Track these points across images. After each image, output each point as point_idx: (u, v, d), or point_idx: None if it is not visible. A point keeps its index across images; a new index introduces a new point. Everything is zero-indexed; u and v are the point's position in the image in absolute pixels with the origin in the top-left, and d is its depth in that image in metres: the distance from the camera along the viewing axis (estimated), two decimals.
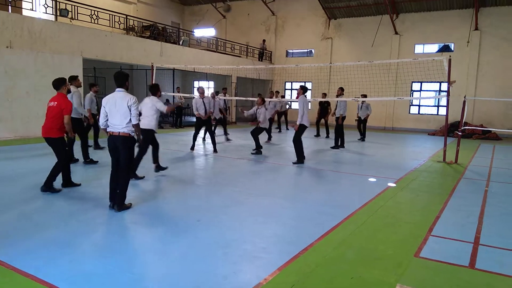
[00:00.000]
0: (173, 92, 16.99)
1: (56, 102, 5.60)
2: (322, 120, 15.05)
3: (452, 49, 18.93)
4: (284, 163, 8.94)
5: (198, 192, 6.22)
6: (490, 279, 3.39)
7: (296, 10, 22.76)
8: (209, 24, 25.45)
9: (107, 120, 4.85)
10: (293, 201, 5.77)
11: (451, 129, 16.34)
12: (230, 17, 25.03)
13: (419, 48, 19.84)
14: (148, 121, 6.72)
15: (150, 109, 6.78)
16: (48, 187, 5.57)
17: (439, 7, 18.88)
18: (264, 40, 23.27)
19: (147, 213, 4.89)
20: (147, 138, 6.71)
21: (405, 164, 9.49)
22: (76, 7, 13.48)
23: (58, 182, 5.79)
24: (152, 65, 14.86)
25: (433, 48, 19.64)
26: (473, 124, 17.32)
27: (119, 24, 15.51)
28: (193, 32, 22.80)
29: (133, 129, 4.82)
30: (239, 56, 21.79)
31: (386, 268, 3.53)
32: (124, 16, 15.81)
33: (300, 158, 8.79)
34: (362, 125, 14.14)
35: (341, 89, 11.94)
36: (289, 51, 23.61)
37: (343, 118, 11.69)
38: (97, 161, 7.80)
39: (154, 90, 6.97)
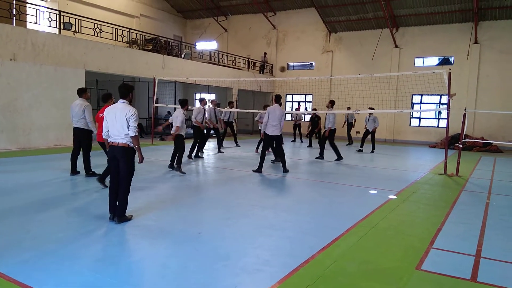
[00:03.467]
0: (175, 104, 17.06)
1: None
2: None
3: (452, 62, 19.06)
4: (287, 175, 8.93)
5: (199, 204, 6.21)
6: None
7: (296, 23, 23.01)
8: (210, 38, 25.72)
9: (109, 130, 4.90)
10: (295, 213, 5.75)
11: (452, 142, 16.35)
12: (231, 31, 25.32)
13: (419, 61, 19.98)
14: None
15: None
16: (102, 180, 6.80)
17: (439, 21, 19.08)
18: (265, 53, 23.48)
19: (147, 225, 4.87)
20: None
21: (406, 176, 9.48)
22: (79, 20, 13.67)
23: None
24: (154, 78, 15.02)
25: (433, 61, 19.77)
26: (473, 137, 17.33)
27: (122, 37, 15.69)
28: (195, 45, 23.05)
29: (129, 139, 4.82)
30: (240, 69, 21.97)
31: (387, 281, 3.51)
32: (127, 30, 16.00)
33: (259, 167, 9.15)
34: (370, 137, 14.50)
35: (331, 102, 11.84)
36: (290, 64, 23.80)
37: (332, 130, 11.59)
38: (100, 174, 7.79)
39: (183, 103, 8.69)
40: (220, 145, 12.98)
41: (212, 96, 23.77)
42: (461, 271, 3.75)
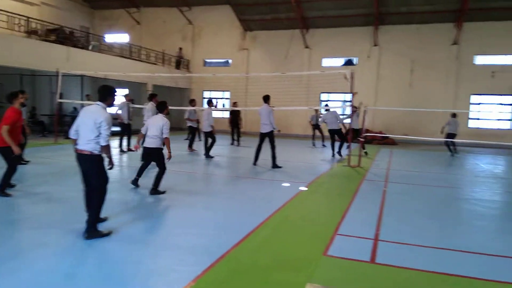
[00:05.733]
0: (82, 100, 15.94)
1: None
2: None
3: (355, 63, 20.70)
4: (205, 171, 8.93)
5: (109, 205, 5.90)
6: (389, 271, 3.77)
7: (212, 20, 22.96)
8: (122, 30, 24.45)
9: (77, 131, 4.45)
10: (211, 210, 5.80)
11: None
12: (144, 24, 24.35)
13: (326, 62, 21.31)
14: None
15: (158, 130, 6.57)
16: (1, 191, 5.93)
17: (344, 24, 20.55)
18: (180, 48, 23.03)
19: (50, 232, 4.52)
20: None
21: (316, 168, 10.12)
22: None
23: None
24: (58, 71, 13.85)
25: (339, 61, 21.25)
26: (373, 131, 19.04)
27: (20, 27, 14.17)
28: (104, 37, 21.71)
29: (97, 146, 4.36)
30: (155, 64, 21.26)
31: (297, 269, 3.74)
32: (25, 18, 14.49)
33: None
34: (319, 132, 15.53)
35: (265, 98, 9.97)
36: (206, 60, 23.69)
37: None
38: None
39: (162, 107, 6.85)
40: (123, 143, 12.09)
41: (125, 91, 22.68)
42: (362, 254, 4.14)
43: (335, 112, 12.52)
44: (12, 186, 6.43)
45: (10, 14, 13.60)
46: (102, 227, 4.57)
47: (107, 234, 4.42)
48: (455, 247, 4.44)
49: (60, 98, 14.53)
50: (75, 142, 4.51)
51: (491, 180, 9.24)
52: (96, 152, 4.36)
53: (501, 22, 18.04)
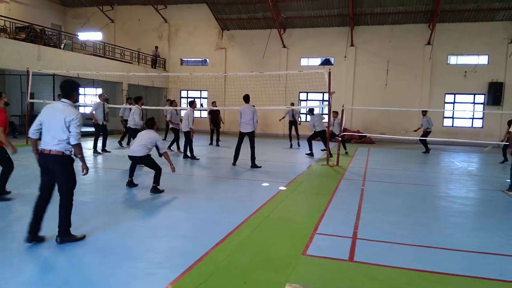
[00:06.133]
0: (54, 100, 15.42)
1: None
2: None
3: (332, 62, 20.89)
4: (184, 172, 8.77)
5: (82, 208, 5.70)
6: (367, 269, 3.77)
7: (189, 18, 22.70)
8: (95, 28, 23.86)
9: (40, 130, 4.20)
10: (190, 211, 5.68)
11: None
12: (118, 22, 23.84)
13: (304, 61, 21.42)
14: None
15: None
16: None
17: (321, 24, 20.71)
18: (156, 47, 22.66)
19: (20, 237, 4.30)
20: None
21: (295, 168, 10.12)
22: None
23: None
24: (28, 70, 13.36)
25: (316, 61, 21.40)
26: (351, 130, 19.27)
27: None
28: (77, 35, 21.13)
29: (69, 147, 4.13)
30: (130, 63, 20.84)
31: (277, 269, 3.69)
32: None
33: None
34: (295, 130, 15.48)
35: (245, 97, 10.02)
36: (183, 59, 23.40)
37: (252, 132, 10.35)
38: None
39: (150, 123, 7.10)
40: (97, 144, 11.83)
41: (99, 91, 22.13)
42: (341, 253, 4.13)
43: (320, 114, 12.91)
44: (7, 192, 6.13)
45: None
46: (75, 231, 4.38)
47: (81, 238, 4.27)
48: (433, 244, 4.49)
49: (31, 98, 14.03)
50: (35, 142, 4.29)
51: (465, 178, 9.47)
52: (67, 152, 4.16)
53: (472, 23, 18.62)
